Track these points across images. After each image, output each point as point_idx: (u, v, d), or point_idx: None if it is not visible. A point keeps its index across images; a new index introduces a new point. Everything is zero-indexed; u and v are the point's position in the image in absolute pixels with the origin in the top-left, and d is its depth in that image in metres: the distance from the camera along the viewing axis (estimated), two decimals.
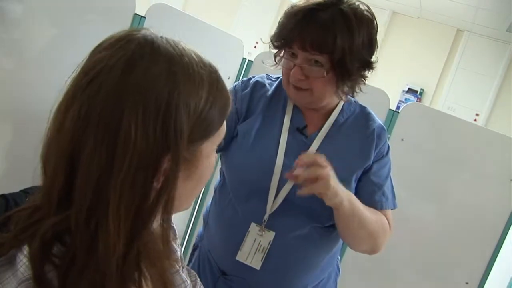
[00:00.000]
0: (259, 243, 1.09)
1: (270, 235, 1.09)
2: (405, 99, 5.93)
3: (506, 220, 1.84)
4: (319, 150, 1.11)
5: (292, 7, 1.06)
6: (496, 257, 1.86)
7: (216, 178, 1.28)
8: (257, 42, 5.94)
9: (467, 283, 1.87)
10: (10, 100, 1.42)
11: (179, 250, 0.74)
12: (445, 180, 1.90)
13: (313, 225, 1.11)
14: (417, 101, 5.87)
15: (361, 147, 1.14)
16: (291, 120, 1.14)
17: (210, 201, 1.28)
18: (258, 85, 1.19)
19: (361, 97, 1.22)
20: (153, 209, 0.52)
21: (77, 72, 0.53)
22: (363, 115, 1.19)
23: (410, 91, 6.01)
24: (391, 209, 1.18)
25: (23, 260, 0.49)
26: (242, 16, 6.55)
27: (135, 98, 0.50)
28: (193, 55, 0.56)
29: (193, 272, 0.78)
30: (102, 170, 0.49)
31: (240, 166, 1.13)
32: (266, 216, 1.09)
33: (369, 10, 1.06)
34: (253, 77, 1.22)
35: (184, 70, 0.53)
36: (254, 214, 1.10)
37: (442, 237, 1.89)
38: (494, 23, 5.30)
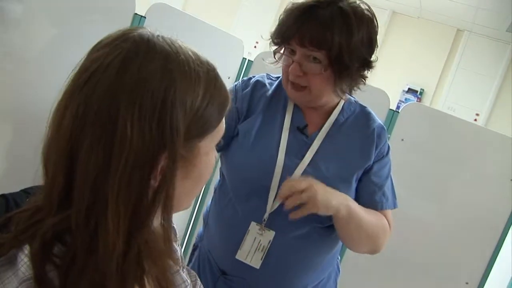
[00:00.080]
0: (259, 242, 1.09)
1: (270, 234, 1.09)
2: (405, 99, 5.93)
3: (506, 220, 1.84)
4: (320, 149, 1.11)
5: (292, 4, 1.07)
6: (496, 257, 1.86)
7: (216, 178, 1.29)
8: (257, 42, 5.94)
9: (467, 283, 1.87)
10: (10, 100, 1.42)
11: (179, 250, 0.74)
12: (445, 180, 1.90)
13: (313, 225, 1.11)
14: (417, 101, 5.86)
15: (362, 147, 1.14)
16: (291, 120, 1.14)
17: (210, 201, 1.28)
18: (259, 84, 1.19)
19: (361, 97, 1.22)
20: (152, 207, 0.52)
21: (75, 71, 0.53)
22: (363, 114, 1.19)
23: (410, 91, 6.01)
24: (392, 209, 1.18)
25: (24, 260, 0.50)
26: (242, 16, 6.55)
27: (130, 96, 0.50)
28: (190, 52, 0.56)
29: (193, 272, 0.78)
30: (99, 169, 0.49)
31: (241, 166, 1.13)
32: (266, 215, 1.09)
33: (369, 10, 1.06)
34: (254, 76, 1.22)
35: (180, 67, 0.53)
36: (254, 214, 1.10)
37: (442, 237, 1.89)
38: (494, 23, 5.30)
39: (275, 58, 1.11)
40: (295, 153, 1.11)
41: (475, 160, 1.88)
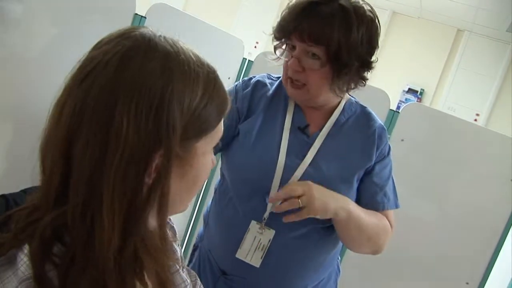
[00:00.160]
0: (259, 241, 1.09)
1: (270, 233, 1.09)
2: (406, 99, 5.93)
3: (506, 220, 1.84)
4: (321, 149, 1.12)
5: (295, 0, 1.07)
6: (496, 257, 1.86)
7: (217, 178, 1.29)
8: (257, 42, 5.94)
9: (467, 283, 1.87)
10: (10, 100, 1.42)
11: (179, 250, 0.74)
12: (445, 180, 1.90)
13: (313, 225, 1.11)
14: (417, 101, 5.86)
15: (363, 147, 1.14)
16: (292, 119, 1.14)
17: (210, 201, 1.28)
18: (259, 84, 1.19)
19: (361, 97, 1.22)
20: (146, 204, 0.52)
21: (75, 68, 0.54)
22: (364, 115, 1.19)
23: (410, 91, 6.01)
24: (394, 209, 1.18)
25: (23, 259, 0.50)
26: (242, 16, 6.55)
27: (128, 92, 0.50)
28: (190, 54, 0.56)
29: (193, 272, 0.78)
30: (95, 164, 0.50)
31: (241, 166, 1.13)
32: (266, 214, 1.09)
33: (372, 11, 1.07)
34: (254, 76, 1.22)
35: (179, 66, 0.53)
36: (254, 213, 1.10)
37: (442, 237, 1.89)
38: (494, 23, 5.30)
39: (275, 53, 1.12)
40: (296, 153, 1.11)
41: (475, 160, 1.87)
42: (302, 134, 1.13)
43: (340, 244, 1.22)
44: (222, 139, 0.63)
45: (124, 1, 1.61)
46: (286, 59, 1.10)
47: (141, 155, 0.50)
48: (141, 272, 0.53)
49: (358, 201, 1.12)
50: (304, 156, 1.11)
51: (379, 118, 1.21)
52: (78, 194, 0.50)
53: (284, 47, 1.10)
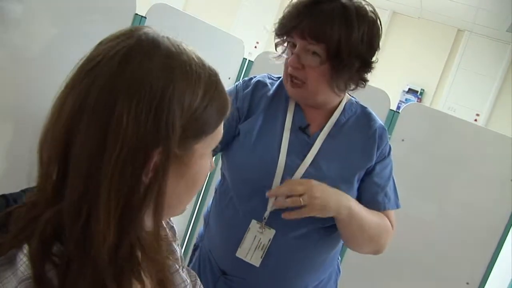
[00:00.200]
0: (259, 240, 1.09)
1: (271, 233, 1.09)
2: (406, 99, 5.93)
3: (506, 220, 1.84)
4: (321, 149, 1.12)
5: None
6: (497, 257, 1.86)
7: (217, 178, 1.29)
8: (257, 42, 5.94)
9: (467, 283, 1.87)
10: (10, 100, 1.42)
11: (178, 250, 0.74)
12: (446, 180, 1.90)
13: (313, 225, 1.11)
14: (417, 101, 5.86)
15: (363, 147, 1.14)
16: (292, 119, 1.14)
17: (210, 201, 1.29)
18: (260, 84, 1.19)
19: (362, 97, 1.22)
20: (143, 202, 0.52)
21: (79, 65, 0.54)
22: (365, 115, 1.19)
23: (411, 91, 6.01)
24: (395, 209, 1.18)
25: (23, 259, 0.50)
26: (243, 16, 6.55)
27: (129, 89, 0.50)
28: (193, 55, 0.56)
29: (193, 272, 0.78)
30: (93, 158, 0.50)
31: (242, 166, 1.13)
32: (266, 214, 1.09)
33: (374, 12, 1.07)
34: (255, 77, 1.22)
35: (181, 66, 0.54)
36: (255, 213, 1.10)
37: (443, 237, 1.89)
38: (494, 23, 5.30)
39: (276, 51, 1.13)
40: (297, 153, 1.11)
41: (475, 160, 1.88)
42: (303, 134, 1.13)
43: (340, 244, 1.22)
44: (222, 139, 0.63)
45: (124, 1, 1.61)
46: (287, 57, 1.10)
47: (140, 152, 0.50)
48: (138, 271, 0.53)
49: (359, 201, 1.12)
50: (305, 156, 1.11)
51: (379, 118, 1.21)
52: (75, 189, 0.50)
53: (285, 44, 1.11)
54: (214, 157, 0.61)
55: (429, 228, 1.90)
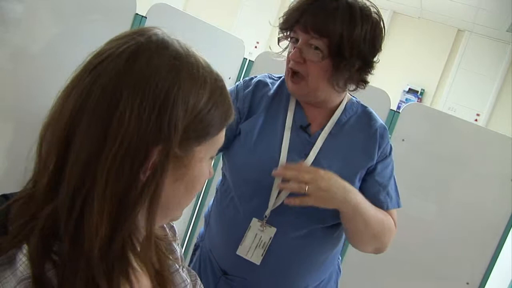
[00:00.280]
0: (260, 238, 1.09)
1: (271, 231, 1.09)
2: (406, 99, 5.93)
3: (506, 220, 1.84)
4: (323, 148, 1.12)
5: None
6: (497, 257, 1.86)
7: (218, 178, 1.29)
8: (258, 42, 5.94)
9: (468, 283, 1.87)
10: (11, 100, 1.42)
11: (178, 249, 0.74)
12: (446, 180, 1.90)
13: (314, 224, 1.11)
14: (417, 101, 5.86)
15: (364, 146, 1.15)
16: (293, 118, 1.14)
17: (211, 201, 1.29)
18: (260, 84, 1.19)
19: (362, 97, 1.22)
20: (139, 199, 0.52)
21: (86, 60, 0.54)
22: (365, 114, 1.19)
23: (411, 91, 6.01)
24: (396, 209, 1.18)
25: (22, 259, 0.50)
26: (243, 16, 6.55)
27: (135, 85, 0.50)
28: (200, 59, 0.57)
29: (193, 272, 0.77)
30: (92, 151, 0.50)
31: (243, 165, 1.13)
32: (267, 212, 1.09)
33: (378, 13, 1.08)
34: (255, 76, 1.22)
35: (188, 68, 0.54)
36: (255, 213, 1.11)
37: (443, 237, 1.89)
38: (494, 23, 5.30)
39: (279, 45, 1.14)
40: (298, 152, 1.11)
41: (476, 160, 1.88)
42: (304, 133, 1.13)
43: (341, 244, 1.22)
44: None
45: (124, 1, 1.61)
46: (289, 53, 1.11)
47: (139, 149, 0.50)
48: (127, 271, 0.53)
49: None
50: (306, 155, 1.11)
51: (380, 118, 1.21)
52: (71, 182, 0.50)
53: (288, 37, 1.11)
54: (214, 158, 0.61)
55: (429, 228, 1.90)
